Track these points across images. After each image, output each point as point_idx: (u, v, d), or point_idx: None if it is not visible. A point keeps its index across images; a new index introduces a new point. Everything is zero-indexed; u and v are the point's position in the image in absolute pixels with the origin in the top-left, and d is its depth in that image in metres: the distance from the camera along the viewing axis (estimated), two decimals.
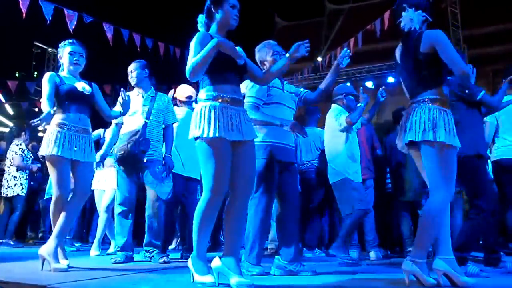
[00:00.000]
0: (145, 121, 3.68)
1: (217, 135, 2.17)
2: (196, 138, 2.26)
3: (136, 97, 3.81)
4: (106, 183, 4.64)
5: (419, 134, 2.34)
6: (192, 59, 2.24)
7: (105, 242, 4.79)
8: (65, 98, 2.99)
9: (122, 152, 3.63)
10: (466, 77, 2.38)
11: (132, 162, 3.63)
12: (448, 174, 2.34)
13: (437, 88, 2.40)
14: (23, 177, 5.89)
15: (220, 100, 2.25)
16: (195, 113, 2.29)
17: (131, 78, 3.86)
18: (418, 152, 2.44)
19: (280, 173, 2.95)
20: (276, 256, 2.95)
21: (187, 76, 2.25)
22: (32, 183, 6.19)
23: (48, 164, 2.98)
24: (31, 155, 6.05)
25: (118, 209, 3.70)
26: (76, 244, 5.44)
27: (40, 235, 6.73)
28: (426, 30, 2.47)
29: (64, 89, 2.99)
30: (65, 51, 3.12)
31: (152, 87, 3.89)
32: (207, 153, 2.21)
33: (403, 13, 2.53)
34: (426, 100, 2.38)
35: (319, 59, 11.86)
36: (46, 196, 5.60)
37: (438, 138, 2.29)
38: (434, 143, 2.32)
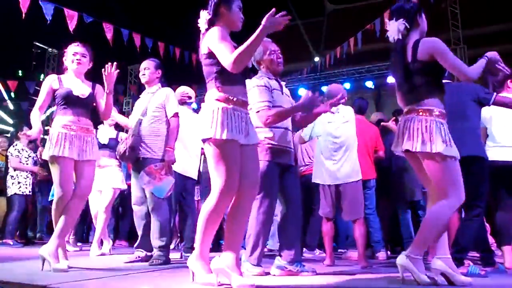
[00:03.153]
0: (138, 118, 3.66)
1: (229, 137, 2.16)
2: (205, 140, 2.23)
3: (143, 96, 3.83)
4: (104, 184, 4.64)
5: (417, 145, 2.37)
6: (229, 52, 2.13)
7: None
8: (62, 102, 3.07)
9: (117, 151, 3.65)
10: (472, 81, 2.40)
11: (130, 161, 3.63)
12: (455, 181, 2.38)
13: (434, 97, 2.42)
14: (21, 176, 5.90)
15: (230, 102, 2.23)
16: (205, 114, 2.25)
17: (143, 75, 3.80)
18: (415, 157, 2.48)
19: (281, 174, 2.95)
20: (276, 257, 2.94)
21: (230, 67, 2.12)
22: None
23: (50, 164, 3.01)
24: (29, 154, 6.07)
25: (134, 209, 3.76)
26: (78, 244, 5.45)
27: (38, 235, 6.75)
28: (423, 38, 2.49)
29: (60, 94, 3.08)
30: (68, 52, 3.19)
31: (159, 84, 3.82)
32: (218, 155, 2.19)
33: (388, 26, 2.59)
34: (424, 110, 2.40)
35: (316, 59, 11.85)
36: (50, 198, 5.61)
37: (435, 150, 2.33)
38: (434, 156, 2.35)
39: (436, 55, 2.39)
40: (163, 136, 3.63)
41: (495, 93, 3.20)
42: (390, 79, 10.85)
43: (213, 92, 2.28)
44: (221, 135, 2.16)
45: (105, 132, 4.87)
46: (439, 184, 2.40)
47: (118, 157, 3.72)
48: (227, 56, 2.15)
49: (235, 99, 2.24)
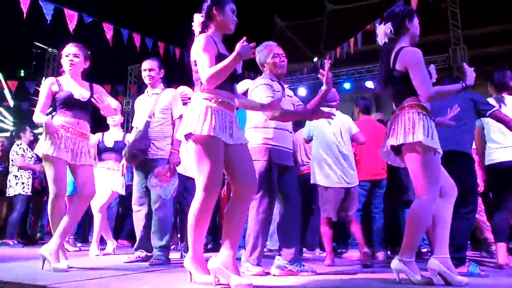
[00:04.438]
0: (146, 120, 3.66)
1: (211, 133, 2.17)
2: (188, 136, 2.24)
3: (146, 97, 3.82)
4: (102, 184, 4.62)
5: (400, 138, 2.40)
6: (207, 66, 2.18)
7: (104, 242, 4.79)
8: (62, 105, 3.04)
9: (125, 154, 3.65)
10: (432, 100, 2.41)
11: (137, 162, 3.63)
12: (432, 176, 2.37)
13: (415, 95, 2.44)
14: (24, 176, 5.89)
15: (215, 102, 2.25)
16: (190, 112, 2.28)
17: (148, 76, 3.75)
18: (403, 154, 2.48)
19: (280, 174, 2.96)
20: (276, 256, 2.95)
21: (204, 82, 2.20)
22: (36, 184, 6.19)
23: (44, 162, 3.02)
24: (32, 154, 6.06)
25: (134, 209, 3.76)
26: (78, 244, 5.44)
27: (38, 235, 6.74)
28: (406, 48, 2.49)
29: (61, 97, 3.06)
30: (63, 54, 3.17)
31: (161, 85, 3.83)
32: (201, 152, 2.20)
33: (377, 31, 2.60)
34: (405, 106, 2.44)
35: (315, 59, 11.86)
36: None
37: (416, 139, 2.33)
38: (415, 146, 2.36)
39: (408, 67, 2.42)
40: (170, 137, 3.66)
41: (495, 108, 3.24)
42: None
43: (197, 92, 2.32)
44: (204, 131, 2.17)
45: (112, 135, 4.83)
46: (418, 178, 2.39)
47: (125, 159, 3.72)
48: (204, 70, 2.20)
49: (220, 100, 2.26)
